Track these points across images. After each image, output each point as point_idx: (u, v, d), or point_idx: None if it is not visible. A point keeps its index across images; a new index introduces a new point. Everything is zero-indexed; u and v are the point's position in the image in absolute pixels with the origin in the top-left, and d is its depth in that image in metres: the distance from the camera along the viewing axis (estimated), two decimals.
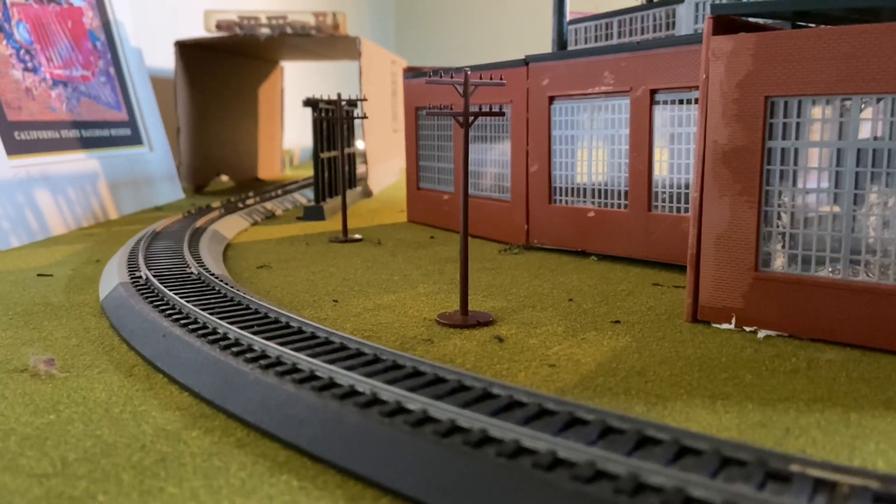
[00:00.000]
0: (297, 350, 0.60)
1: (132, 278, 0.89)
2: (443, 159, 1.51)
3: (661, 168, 1.07)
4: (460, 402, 0.49)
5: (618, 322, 0.79)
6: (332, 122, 1.74)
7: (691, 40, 1.00)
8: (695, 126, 1.01)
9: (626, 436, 0.43)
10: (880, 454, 0.48)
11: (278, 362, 0.57)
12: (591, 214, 1.15)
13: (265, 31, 2.20)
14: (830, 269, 0.71)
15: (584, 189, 1.18)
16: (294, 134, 3.45)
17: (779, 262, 0.74)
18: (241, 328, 0.66)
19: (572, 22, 1.52)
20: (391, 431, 0.45)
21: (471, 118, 0.76)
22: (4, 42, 1.53)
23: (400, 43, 5.09)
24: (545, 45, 1.47)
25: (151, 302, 0.78)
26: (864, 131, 0.69)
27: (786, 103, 0.72)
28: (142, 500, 0.42)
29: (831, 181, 0.70)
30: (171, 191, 2.06)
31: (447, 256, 1.19)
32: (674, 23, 1.32)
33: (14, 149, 1.45)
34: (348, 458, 0.45)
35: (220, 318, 0.69)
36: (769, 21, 0.85)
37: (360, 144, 2.51)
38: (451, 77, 0.76)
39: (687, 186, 1.04)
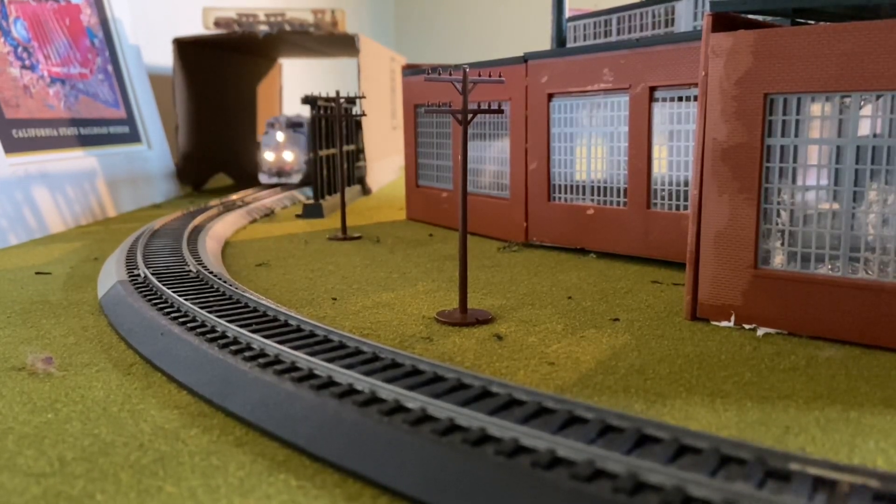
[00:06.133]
0: (295, 348, 0.59)
1: (130, 276, 0.89)
2: (442, 157, 1.51)
3: (661, 165, 1.06)
4: (459, 400, 0.49)
5: (617, 320, 0.79)
6: (331, 119, 1.74)
7: (690, 37, 1.00)
8: (694, 123, 1.01)
9: (626, 434, 0.43)
10: (880, 452, 0.48)
11: (277, 361, 0.57)
12: (591, 212, 1.15)
13: (264, 28, 2.19)
14: (830, 267, 0.71)
15: (584, 186, 1.18)
16: None
17: (778, 260, 0.74)
18: (240, 326, 0.66)
19: (571, 19, 1.51)
20: (390, 430, 0.45)
21: (469, 115, 0.76)
22: (2, 39, 1.53)
23: (399, 40, 5.08)
24: (544, 43, 1.47)
25: (150, 300, 0.78)
26: (864, 128, 0.68)
27: (785, 100, 0.71)
28: (140, 499, 0.42)
29: (831, 178, 0.70)
30: (170, 188, 2.06)
31: (446, 254, 1.19)
32: (673, 20, 1.32)
33: (12, 147, 1.45)
34: (347, 457, 0.45)
35: (219, 317, 0.69)
36: (768, 18, 0.85)
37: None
38: (450, 74, 0.75)
39: (686, 184, 1.04)
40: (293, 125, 2.05)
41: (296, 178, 2.01)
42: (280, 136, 1.99)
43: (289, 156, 2.00)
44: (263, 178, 2.02)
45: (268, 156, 2.01)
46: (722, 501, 0.35)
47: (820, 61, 0.68)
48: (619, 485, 0.37)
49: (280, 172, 2.01)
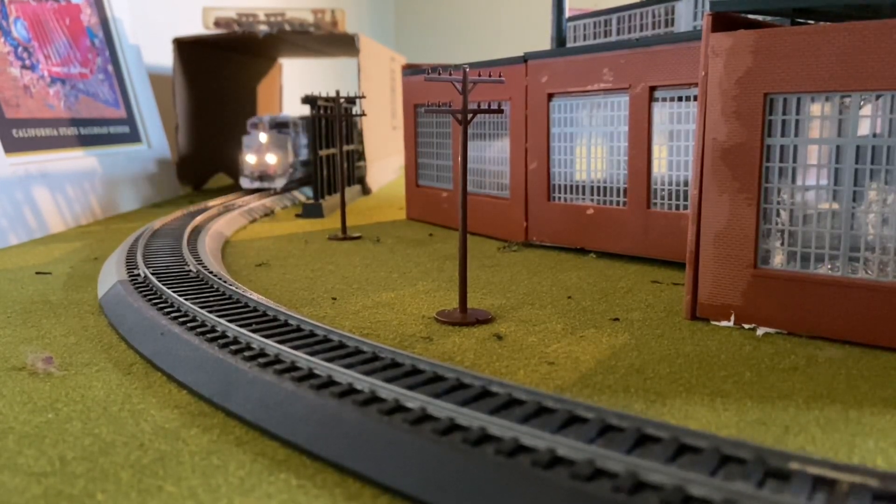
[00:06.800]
0: (295, 348, 0.59)
1: (130, 276, 0.89)
2: (442, 156, 1.51)
3: (661, 165, 1.06)
4: (459, 400, 0.49)
5: (617, 319, 0.79)
6: (331, 119, 1.74)
7: (690, 37, 1.00)
8: (694, 123, 1.01)
9: (625, 434, 0.43)
10: (879, 452, 0.48)
11: (277, 360, 0.57)
12: (590, 212, 1.15)
13: (264, 28, 2.19)
14: (829, 267, 0.71)
15: (583, 186, 1.18)
16: None
17: (778, 260, 0.74)
18: (240, 326, 0.66)
19: (571, 19, 1.51)
20: (390, 429, 0.45)
21: (469, 115, 0.76)
22: (2, 39, 1.53)
23: (399, 40, 5.08)
24: (544, 43, 1.47)
25: (150, 300, 0.78)
26: (864, 128, 0.69)
27: (785, 100, 0.72)
28: (140, 498, 0.42)
29: (830, 178, 0.70)
30: (170, 188, 2.06)
31: (446, 254, 1.19)
32: (673, 20, 1.32)
33: (12, 146, 1.45)
34: (347, 457, 0.45)
35: (219, 316, 0.69)
36: (768, 18, 0.85)
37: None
38: (450, 74, 0.75)
39: (686, 184, 1.04)
40: (278, 125, 1.91)
41: (280, 183, 1.88)
42: (263, 137, 1.85)
43: (272, 158, 1.86)
44: (245, 183, 1.87)
45: (249, 158, 1.86)
46: (722, 501, 0.35)
47: (820, 61, 0.68)
48: (619, 484, 0.37)
49: (263, 176, 1.86)
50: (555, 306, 0.85)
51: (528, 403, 0.48)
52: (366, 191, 2.18)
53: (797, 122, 0.71)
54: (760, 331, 0.74)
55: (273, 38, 2.26)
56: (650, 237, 1.07)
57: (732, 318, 0.76)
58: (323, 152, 1.71)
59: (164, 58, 2.27)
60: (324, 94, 1.63)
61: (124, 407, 0.56)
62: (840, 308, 0.69)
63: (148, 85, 2.07)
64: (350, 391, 0.51)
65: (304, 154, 2.03)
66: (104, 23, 1.93)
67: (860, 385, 0.59)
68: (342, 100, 1.43)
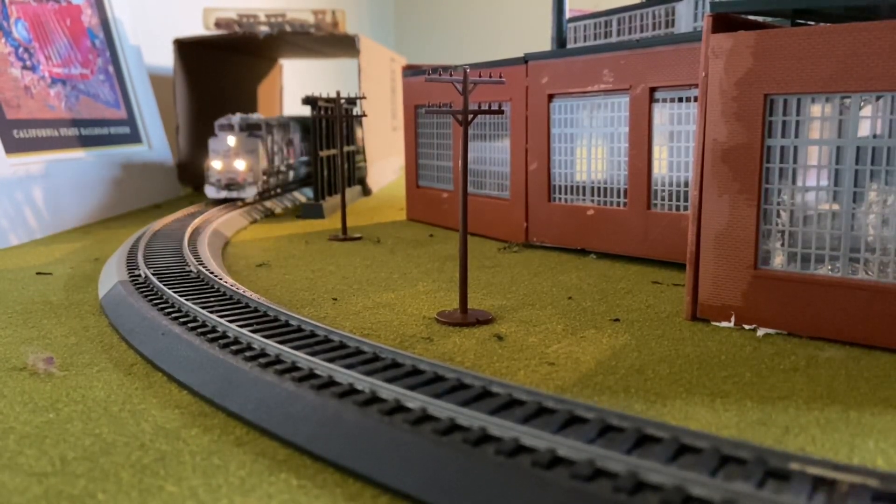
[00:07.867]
0: (296, 348, 0.59)
1: (131, 276, 0.89)
2: (442, 157, 1.51)
3: (661, 166, 1.06)
4: (459, 400, 0.49)
5: (617, 320, 0.79)
6: (332, 120, 1.74)
7: (691, 38, 1.00)
8: (694, 124, 1.01)
9: (626, 434, 0.43)
10: (880, 452, 0.48)
11: (277, 360, 0.57)
12: (591, 212, 1.15)
13: (264, 28, 2.20)
14: (830, 267, 0.71)
15: (584, 187, 1.18)
16: None
17: (778, 260, 0.74)
18: (241, 326, 0.66)
19: (571, 20, 1.51)
20: (390, 430, 0.45)
21: (470, 116, 0.76)
22: (3, 40, 1.53)
23: (399, 41, 5.08)
24: (544, 44, 1.47)
25: (150, 300, 0.78)
26: (864, 129, 0.69)
27: (785, 101, 0.72)
28: (141, 498, 0.42)
29: (831, 179, 0.70)
30: (170, 189, 2.06)
31: (446, 254, 1.19)
32: (673, 20, 1.32)
33: (13, 147, 1.45)
34: (347, 457, 0.45)
35: (220, 317, 0.69)
36: (769, 19, 0.85)
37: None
38: (451, 75, 0.75)
39: (686, 184, 1.04)
40: (249, 127, 1.70)
41: (250, 192, 1.65)
42: (231, 140, 1.64)
43: (240, 164, 1.64)
44: (210, 192, 1.65)
45: (215, 164, 1.64)
46: (722, 501, 0.35)
47: (820, 62, 0.68)
48: (620, 484, 0.37)
49: (230, 185, 1.64)
50: (555, 307, 0.85)
51: (528, 404, 0.48)
52: (366, 191, 2.18)
53: (797, 123, 0.71)
54: (761, 331, 0.74)
55: (273, 39, 2.26)
56: (650, 238, 1.08)
57: (733, 318, 0.76)
58: (323, 153, 1.71)
59: (165, 58, 2.27)
60: (324, 95, 1.63)
61: (125, 407, 0.56)
62: (840, 309, 0.69)
63: (148, 86, 2.07)
64: (351, 391, 0.51)
65: (279, 160, 1.87)
66: (105, 23, 1.93)
67: (860, 385, 0.59)
68: (342, 100, 1.44)
